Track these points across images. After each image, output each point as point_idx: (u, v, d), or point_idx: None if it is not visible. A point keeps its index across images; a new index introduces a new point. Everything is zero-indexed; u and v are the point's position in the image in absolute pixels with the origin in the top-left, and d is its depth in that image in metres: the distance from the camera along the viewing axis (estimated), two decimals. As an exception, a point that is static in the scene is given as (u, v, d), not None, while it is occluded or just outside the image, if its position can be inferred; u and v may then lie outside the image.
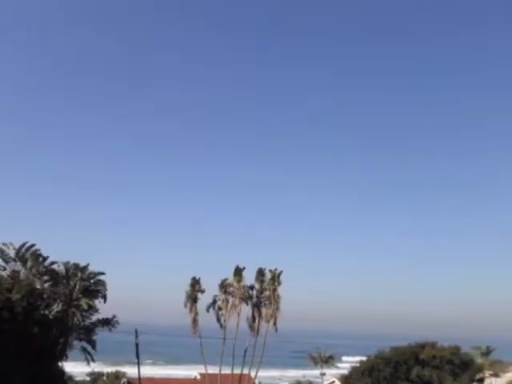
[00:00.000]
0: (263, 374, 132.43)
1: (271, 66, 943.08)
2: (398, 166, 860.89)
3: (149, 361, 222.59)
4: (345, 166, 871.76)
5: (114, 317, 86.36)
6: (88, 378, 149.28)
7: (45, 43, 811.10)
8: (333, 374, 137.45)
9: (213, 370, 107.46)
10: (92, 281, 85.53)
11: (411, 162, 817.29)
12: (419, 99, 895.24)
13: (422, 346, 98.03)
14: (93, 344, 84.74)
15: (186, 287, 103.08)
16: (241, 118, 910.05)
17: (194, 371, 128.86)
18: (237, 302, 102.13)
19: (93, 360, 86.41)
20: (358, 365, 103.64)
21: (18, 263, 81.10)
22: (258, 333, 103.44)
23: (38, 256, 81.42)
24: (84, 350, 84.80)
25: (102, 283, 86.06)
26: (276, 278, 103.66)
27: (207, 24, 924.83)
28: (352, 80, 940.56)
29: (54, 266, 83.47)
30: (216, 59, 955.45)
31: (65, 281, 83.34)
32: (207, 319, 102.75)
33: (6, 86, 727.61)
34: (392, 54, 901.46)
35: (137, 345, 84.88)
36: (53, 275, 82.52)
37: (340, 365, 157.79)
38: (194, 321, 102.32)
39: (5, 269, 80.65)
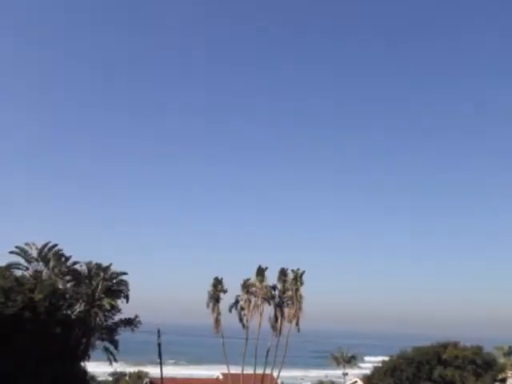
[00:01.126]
0: (285, 374, 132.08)
1: (271, 65, 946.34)
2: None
3: (171, 361, 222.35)
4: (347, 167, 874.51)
5: (136, 317, 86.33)
6: (110, 378, 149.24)
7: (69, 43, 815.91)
8: (355, 374, 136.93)
9: (235, 370, 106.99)
10: (114, 281, 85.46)
11: (413, 162, 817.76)
12: (419, 99, 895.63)
13: (445, 346, 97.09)
14: (115, 344, 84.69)
15: (209, 287, 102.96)
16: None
17: (216, 371, 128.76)
18: (259, 302, 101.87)
19: (115, 360, 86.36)
20: (380, 365, 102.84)
21: (41, 263, 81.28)
22: (280, 333, 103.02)
23: (60, 256, 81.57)
24: (106, 350, 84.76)
25: (125, 283, 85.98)
26: (298, 278, 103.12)
27: (207, 24, 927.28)
28: (352, 80, 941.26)
29: (77, 266, 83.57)
30: (216, 59, 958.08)
31: (87, 281, 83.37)
32: (229, 319, 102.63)
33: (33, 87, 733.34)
34: (392, 54, 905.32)
35: (159, 345, 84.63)
36: (75, 275, 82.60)
37: (362, 365, 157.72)
38: (217, 321, 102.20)
39: (27, 269, 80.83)
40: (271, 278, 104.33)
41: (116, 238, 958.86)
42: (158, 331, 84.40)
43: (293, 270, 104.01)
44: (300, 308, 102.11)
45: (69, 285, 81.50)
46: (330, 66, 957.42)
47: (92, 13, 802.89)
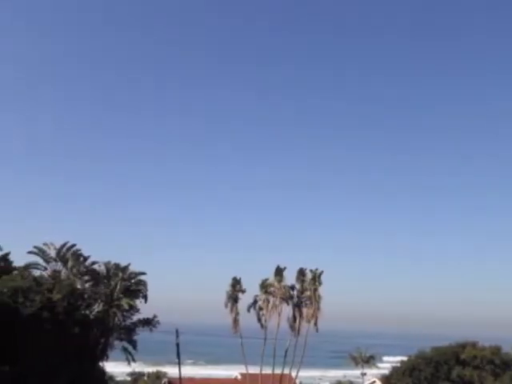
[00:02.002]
0: (304, 374, 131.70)
1: (271, 65, 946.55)
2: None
3: (189, 361, 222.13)
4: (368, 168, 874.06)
5: (154, 317, 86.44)
6: (129, 378, 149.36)
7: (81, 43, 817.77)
8: (373, 373, 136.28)
9: (253, 370, 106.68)
10: (133, 281, 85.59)
11: (413, 162, 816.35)
12: (419, 99, 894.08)
13: (463, 346, 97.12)
14: (134, 344, 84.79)
15: (227, 287, 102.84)
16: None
17: (234, 371, 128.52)
18: (277, 302, 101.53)
19: (134, 360, 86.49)
20: (398, 365, 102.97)
21: (59, 263, 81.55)
22: (298, 333, 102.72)
23: (78, 256, 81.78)
24: (125, 349, 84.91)
25: (143, 283, 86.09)
26: (317, 278, 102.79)
27: (207, 24, 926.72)
28: (352, 80, 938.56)
29: (95, 266, 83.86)
30: (216, 59, 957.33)
31: (106, 281, 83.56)
32: (248, 319, 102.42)
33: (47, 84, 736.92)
34: (392, 54, 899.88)
35: (177, 345, 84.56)
36: (94, 275, 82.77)
37: (381, 365, 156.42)
38: (235, 321, 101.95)
39: (46, 269, 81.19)
40: (289, 278, 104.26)
41: (116, 238, 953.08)
42: (176, 331, 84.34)
43: (311, 270, 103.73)
44: (318, 308, 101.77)
45: (87, 285, 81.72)
46: (330, 66, 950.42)
47: (92, 12, 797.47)
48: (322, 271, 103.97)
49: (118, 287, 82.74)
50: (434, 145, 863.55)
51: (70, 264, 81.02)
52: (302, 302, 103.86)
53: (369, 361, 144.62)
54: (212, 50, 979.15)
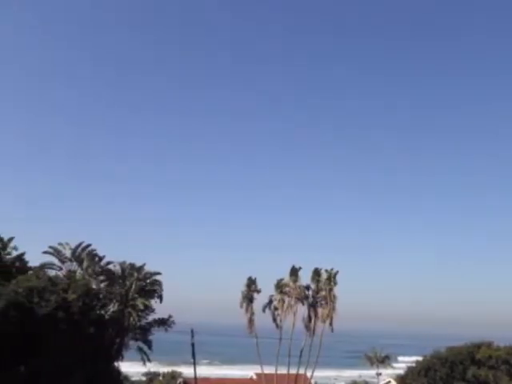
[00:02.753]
0: (319, 373, 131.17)
1: (271, 65, 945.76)
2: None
3: (205, 361, 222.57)
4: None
5: (170, 317, 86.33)
6: (144, 378, 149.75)
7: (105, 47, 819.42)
8: (389, 373, 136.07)
9: (269, 370, 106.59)
10: (148, 281, 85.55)
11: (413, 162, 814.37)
12: (420, 99, 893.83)
13: (478, 346, 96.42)
14: (149, 344, 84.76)
15: (242, 287, 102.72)
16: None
17: (249, 371, 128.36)
18: (293, 302, 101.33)
19: (149, 360, 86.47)
20: (413, 365, 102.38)
21: (74, 263, 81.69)
22: (313, 333, 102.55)
23: (93, 256, 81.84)
24: (140, 349, 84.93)
25: (158, 283, 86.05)
26: (332, 278, 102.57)
27: (208, 23, 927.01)
28: (352, 80, 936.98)
29: (110, 266, 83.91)
30: (216, 59, 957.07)
31: (121, 281, 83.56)
32: (263, 319, 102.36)
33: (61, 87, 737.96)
34: (393, 54, 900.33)
35: (193, 345, 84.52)
36: (109, 275, 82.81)
37: (396, 365, 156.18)
38: (250, 321, 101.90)
39: (61, 269, 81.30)
40: (305, 278, 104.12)
41: (115, 238, 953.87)
42: (192, 331, 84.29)
43: (326, 270, 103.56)
44: (334, 308, 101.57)
45: (102, 285, 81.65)
46: (330, 66, 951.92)
47: (93, 11, 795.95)
48: (338, 271, 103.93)
49: (133, 287, 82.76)
50: (434, 145, 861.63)
51: (85, 264, 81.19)
52: (317, 302, 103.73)
53: (384, 361, 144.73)
54: (212, 50, 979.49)
